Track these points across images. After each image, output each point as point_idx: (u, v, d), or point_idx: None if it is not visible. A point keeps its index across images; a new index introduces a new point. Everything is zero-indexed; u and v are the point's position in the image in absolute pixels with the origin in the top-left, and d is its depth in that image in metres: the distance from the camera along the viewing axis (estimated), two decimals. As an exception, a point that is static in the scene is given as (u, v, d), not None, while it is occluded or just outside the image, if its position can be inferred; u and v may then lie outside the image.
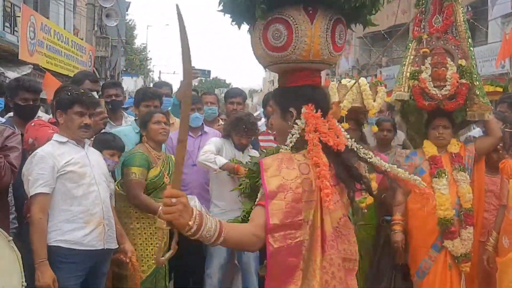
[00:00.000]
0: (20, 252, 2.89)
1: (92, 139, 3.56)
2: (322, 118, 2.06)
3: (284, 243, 1.85)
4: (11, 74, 9.99)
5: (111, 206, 3.36)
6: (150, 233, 3.73)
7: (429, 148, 3.86)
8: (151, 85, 13.18)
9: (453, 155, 3.81)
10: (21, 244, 3.10)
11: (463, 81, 3.73)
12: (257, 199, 1.97)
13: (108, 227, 3.21)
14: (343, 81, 4.05)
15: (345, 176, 2.04)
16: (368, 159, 2.13)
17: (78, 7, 19.28)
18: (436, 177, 3.75)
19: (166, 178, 3.80)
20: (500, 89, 9.45)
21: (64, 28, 16.05)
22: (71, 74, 7.92)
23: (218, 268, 4.14)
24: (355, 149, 2.11)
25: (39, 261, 2.92)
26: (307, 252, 1.90)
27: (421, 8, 4.03)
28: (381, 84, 3.96)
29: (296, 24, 2.04)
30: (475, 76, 3.78)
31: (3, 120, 4.10)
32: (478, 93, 3.76)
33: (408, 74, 3.93)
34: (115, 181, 3.80)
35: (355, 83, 3.93)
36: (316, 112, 2.04)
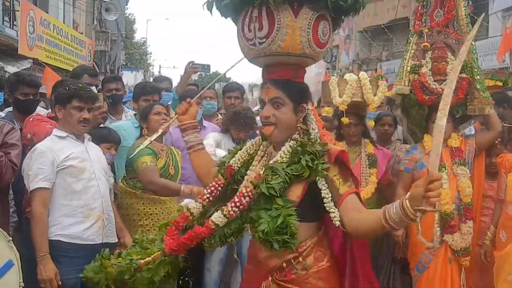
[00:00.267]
0: (19, 246, 2.91)
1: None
2: None
3: None
4: (11, 69, 9.97)
5: (111, 201, 3.37)
6: (157, 228, 3.71)
7: (429, 142, 3.85)
8: (151, 79, 13.15)
9: (453, 149, 3.81)
10: (21, 238, 3.11)
11: (464, 75, 3.72)
12: (347, 188, 2.07)
13: (107, 221, 3.22)
14: (346, 76, 4.03)
15: None
16: None
17: (77, 1, 19.20)
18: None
19: (172, 169, 3.81)
20: (500, 83, 9.45)
21: (64, 22, 15.99)
22: (71, 69, 7.89)
23: (217, 262, 4.15)
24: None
25: (41, 255, 2.93)
26: None
27: (422, 2, 4.02)
28: (382, 78, 3.94)
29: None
30: (475, 70, 3.77)
31: (3, 114, 4.10)
32: (478, 87, 3.75)
33: (408, 68, 3.92)
34: (114, 175, 3.80)
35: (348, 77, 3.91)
36: None
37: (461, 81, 3.70)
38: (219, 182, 2.29)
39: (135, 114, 4.45)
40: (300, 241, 2.10)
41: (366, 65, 20.35)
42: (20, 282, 2.85)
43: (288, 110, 2.17)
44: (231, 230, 2.17)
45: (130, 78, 27.53)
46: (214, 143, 4.11)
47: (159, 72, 38.25)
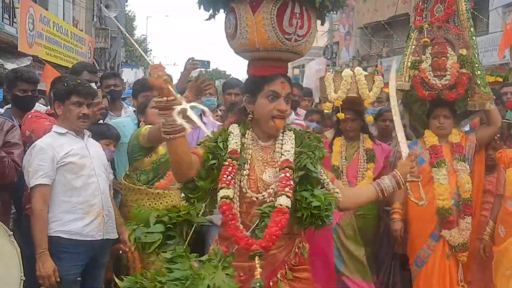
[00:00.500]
0: (18, 242, 2.91)
1: None
2: None
3: None
4: (11, 66, 9.96)
5: (111, 197, 3.37)
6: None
7: (430, 137, 3.86)
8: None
9: (454, 145, 3.80)
10: (21, 235, 3.12)
11: (464, 70, 3.70)
12: (330, 174, 2.44)
13: (107, 218, 3.22)
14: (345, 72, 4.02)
15: None
16: None
17: (77, -2, 19.19)
18: (436, 167, 3.75)
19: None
20: (501, 79, 9.41)
21: (64, 20, 15.99)
22: (71, 66, 7.90)
23: None
24: None
25: (40, 251, 2.94)
26: None
27: (423, -3, 4.00)
28: (378, 73, 3.93)
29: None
30: (476, 65, 3.75)
31: (2, 111, 4.10)
32: (479, 82, 3.74)
33: (409, 64, 3.91)
34: (114, 172, 3.80)
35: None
36: None
37: (461, 77, 3.69)
38: (233, 164, 2.23)
39: (134, 111, 4.45)
40: None
41: (366, 61, 20.32)
42: (21, 276, 2.86)
43: (290, 106, 2.34)
44: None
45: (130, 75, 27.49)
46: None
47: (159, 69, 38.11)
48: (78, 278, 3.09)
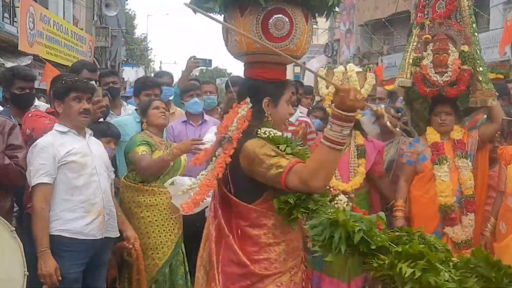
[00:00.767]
0: (21, 239, 2.91)
1: None
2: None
3: None
4: (11, 65, 9.94)
5: (112, 195, 3.37)
6: (162, 219, 3.71)
7: (432, 134, 3.85)
8: (152, 75, 13.15)
9: (456, 142, 3.79)
10: (22, 232, 3.11)
11: (465, 67, 3.69)
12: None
13: (108, 217, 3.23)
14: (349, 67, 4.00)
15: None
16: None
17: (77, -3, 19.18)
18: (437, 164, 3.74)
19: None
20: (501, 76, 9.38)
21: (64, 18, 15.98)
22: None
23: None
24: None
25: (41, 250, 2.94)
26: None
27: (424, -7, 3.99)
28: (370, 70, 3.92)
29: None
30: (478, 62, 3.74)
31: (0, 108, 4.10)
32: (481, 79, 3.72)
33: (410, 60, 3.90)
34: (115, 170, 3.80)
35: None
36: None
37: (462, 73, 3.68)
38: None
39: (136, 109, 4.44)
40: None
41: (367, 59, 20.32)
42: (24, 271, 2.86)
43: None
44: None
45: (131, 74, 27.51)
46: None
47: (160, 67, 38.25)
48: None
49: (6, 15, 12.31)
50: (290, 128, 4.54)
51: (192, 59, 5.10)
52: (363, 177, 3.84)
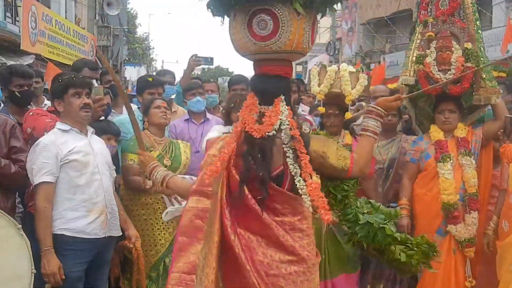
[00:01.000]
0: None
1: None
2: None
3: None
4: (13, 64, 9.95)
5: (114, 194, 3.36)
6: (156, 218, 3.73)
7: (436, 132, 3.84)
8: (154, 74, 13.16)
9: (459, 140, 3.78)
10: (26, 231, 3.11)
11: (469, 64, 3.68)
12: None
13: (110, 215, 3.21)
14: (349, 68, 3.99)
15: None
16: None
17: (79, -4, 19.19)
18: (441, 162, 3.73)
19: (167, 160, 3.80)
20: (504, 74, 9.35)
21: (66, 18, 15.98)
22: (73, 64, 7.89)
23: None
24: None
25: (45, 249, 2.94)
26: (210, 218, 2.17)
27: (428, -9, 3.97)
28: (363, 71, 3.90)
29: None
30: (482, 59, 3.73)
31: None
32: (484, 76, 3.71)
33: (414, 58, 3.89)
34: (116, 168, 3.80)
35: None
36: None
37: (466, 70, 3.67)
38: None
39: (138, 108, 4.44)
40: None
41: (369, 57, 20.28)
42: (32, 269, 2.86)
43: None
44: None
45: (133, 73, 27.54)
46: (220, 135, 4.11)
47: (162, 67, 38.22)
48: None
49: (8, 14, 12.32)
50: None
51: (193, 57, 5.10)
52: None
